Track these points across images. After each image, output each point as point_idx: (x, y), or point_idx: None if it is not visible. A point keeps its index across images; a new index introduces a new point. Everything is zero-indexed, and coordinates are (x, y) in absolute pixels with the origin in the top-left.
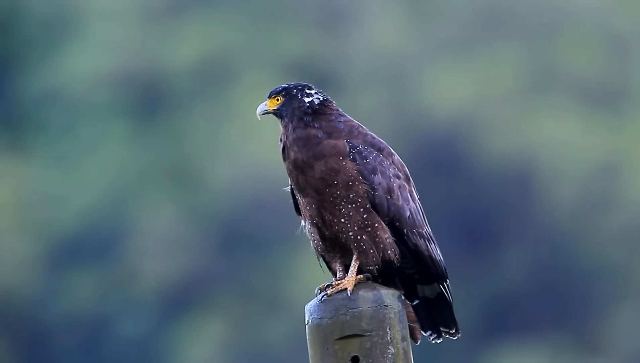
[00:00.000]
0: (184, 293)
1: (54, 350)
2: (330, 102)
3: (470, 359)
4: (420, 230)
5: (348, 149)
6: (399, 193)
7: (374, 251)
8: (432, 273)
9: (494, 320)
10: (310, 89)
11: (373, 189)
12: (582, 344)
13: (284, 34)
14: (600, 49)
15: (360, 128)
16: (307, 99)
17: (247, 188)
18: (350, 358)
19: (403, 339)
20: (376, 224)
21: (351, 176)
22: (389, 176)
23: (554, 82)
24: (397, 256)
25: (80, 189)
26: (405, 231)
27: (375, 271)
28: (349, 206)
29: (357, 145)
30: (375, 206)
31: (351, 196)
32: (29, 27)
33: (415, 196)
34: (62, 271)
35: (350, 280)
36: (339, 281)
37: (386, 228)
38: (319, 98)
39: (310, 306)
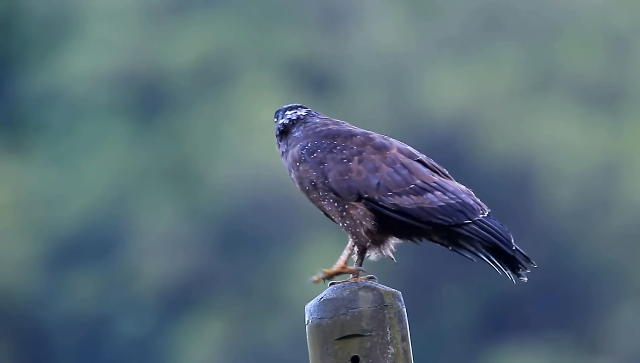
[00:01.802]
0: (184, 293)
1: (54, 350)
2: (301, 117)
3: (471, 359)
4: (399, 190)
5: (299, 153)
6: (361, 168)
7: (359, 230)
8: (447, 221)
9: (494, 320)
10: (291, 110)
11: (326, 178)
12: (582, 344)
13: (284, 34)
14: (600, 49)
15: (320, 127)
16: (280, 121)
17: (247, 188)
18: (350, 358)
19: (403, 339)
20: (346, 206)
21: (309, 176)
22: (342, 158)
23: (553, 82)
24: (374, 223)
25: (80, 189)
26: (377, 197)
27: (387, 253)
28: (325, 202)
29: (306, 144)
30: (335, 191)
31: (320, 193)
32: (29, 27)
33: (400, 157)
34: (62, 271)
35: (336, 267)
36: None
37: (356, 204)
38: (290, 118)
39: (310, 306)
